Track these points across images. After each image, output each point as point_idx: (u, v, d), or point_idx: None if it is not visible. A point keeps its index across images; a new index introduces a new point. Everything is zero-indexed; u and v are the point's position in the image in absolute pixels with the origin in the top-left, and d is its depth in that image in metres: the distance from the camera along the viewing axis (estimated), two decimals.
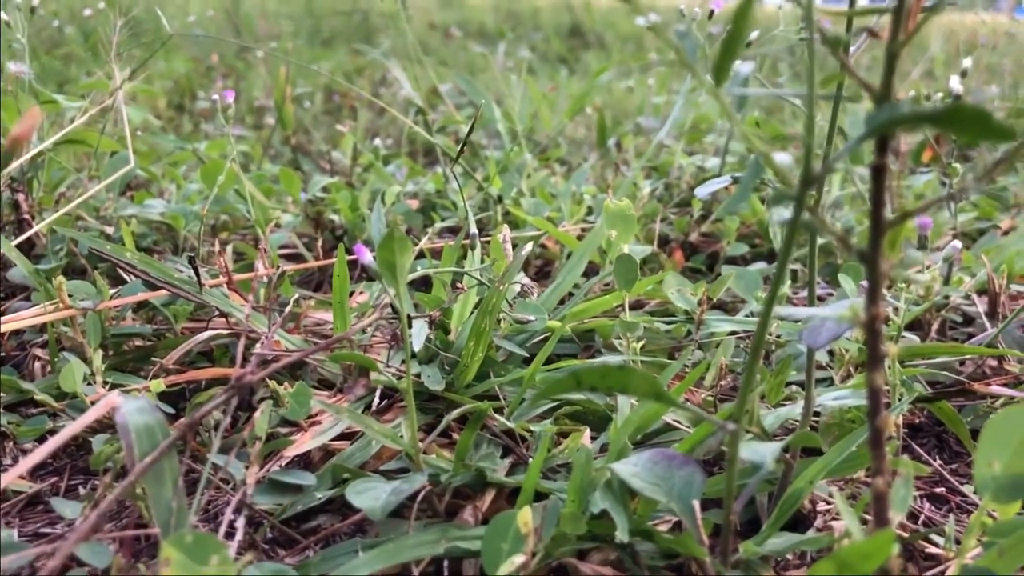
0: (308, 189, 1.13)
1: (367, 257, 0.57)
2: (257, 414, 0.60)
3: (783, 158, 0.41)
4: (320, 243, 1.08)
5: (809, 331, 0.51)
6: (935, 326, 1.01)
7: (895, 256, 0.42)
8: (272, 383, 0.69)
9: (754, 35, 1.04)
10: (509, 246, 0.80)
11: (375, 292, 0.91)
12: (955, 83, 1.01)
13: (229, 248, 1.09)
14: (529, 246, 0.74)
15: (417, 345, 0.71)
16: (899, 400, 0.67)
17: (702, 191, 0.60)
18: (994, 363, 0.87)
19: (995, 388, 0.75)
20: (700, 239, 1.29)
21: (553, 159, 1.78)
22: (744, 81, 0.42)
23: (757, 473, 0.51)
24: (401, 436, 0.66)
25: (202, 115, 2.38)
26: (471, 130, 0.82)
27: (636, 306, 1.04)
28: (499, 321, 0.73)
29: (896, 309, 0.65)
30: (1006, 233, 1.32)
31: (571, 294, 0.99)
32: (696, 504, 0.52)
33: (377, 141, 1.33)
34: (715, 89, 0.39)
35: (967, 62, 1.04)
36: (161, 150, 1.66)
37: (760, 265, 1.16)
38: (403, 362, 0.84)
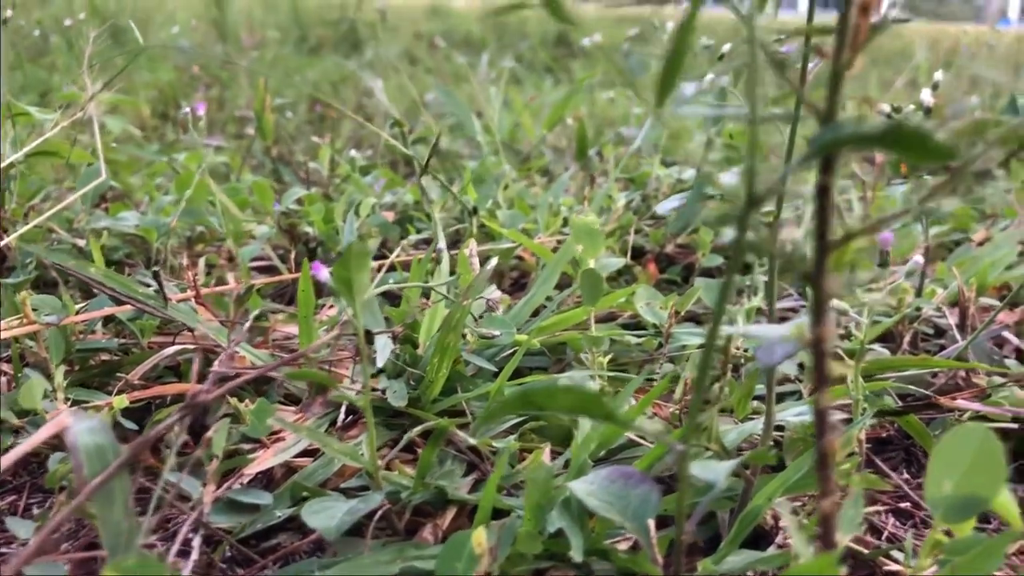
0: (282, 201, 1.13)
1: (324, 274, 0.57)
2: (211, 432, 0.60)
3: (729, 178, 0.41)
4: (294, 255, 1.08)
5: (764, 349, 0.51)
6: (907, 338, 1.01)
7: (843, 276, 0.42)
8: (233, 400, 0.69)
9: (727, 47, 1.04)
10: (476, 260, 0.80)
11: (343, 305, 0.90)
12: (926, 96, 1.01)
13: (202, 261, 1.09)
14: (493, 261, 0.73)
15: (381, 361, 0.71)
16: (861, 415, 0.67)
17: (662, 208, 0.60)
18: (965, 375, 0.87)
19: (961, 402, 0.75)
20: (676, 250, 1.29)
21: (535, 169, 1.78)
22: (712, 95, 0.42)
23: (711, 492, 0.50)
24: (362, 454, 0.66)
25: (183, 125, 2.38)
26: (435, 145, 0.82)
27: (609, 318, 1.04)
28: (464, 336, 0.73)
29: (858, 324, 0.65)
30: (981, 244, 1.33)
31: (544, 306, 0.99)
32: (651, 523, 0.52)
33: (354, 152, 1.33)
34: (657, 110, 0.39)
35: (938, 75, 1.05)
36: (142, 161, 1.65)
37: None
38: (373, 375, 0.84)
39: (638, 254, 1.25)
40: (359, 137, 2.20)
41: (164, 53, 3.20)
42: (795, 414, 0.64)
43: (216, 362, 0.64)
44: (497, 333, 0.73)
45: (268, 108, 1.72)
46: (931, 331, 1.05)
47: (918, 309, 1.03)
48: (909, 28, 7.24)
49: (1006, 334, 1.03)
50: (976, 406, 0.75)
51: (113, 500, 0.52)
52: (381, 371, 0.83)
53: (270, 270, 1.16)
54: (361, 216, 1.14)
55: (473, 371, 0.84)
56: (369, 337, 0.69)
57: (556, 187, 1.37)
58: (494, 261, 0.74)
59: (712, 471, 0.50)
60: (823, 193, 0.40)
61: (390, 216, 1.15)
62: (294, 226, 1.09)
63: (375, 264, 0.99)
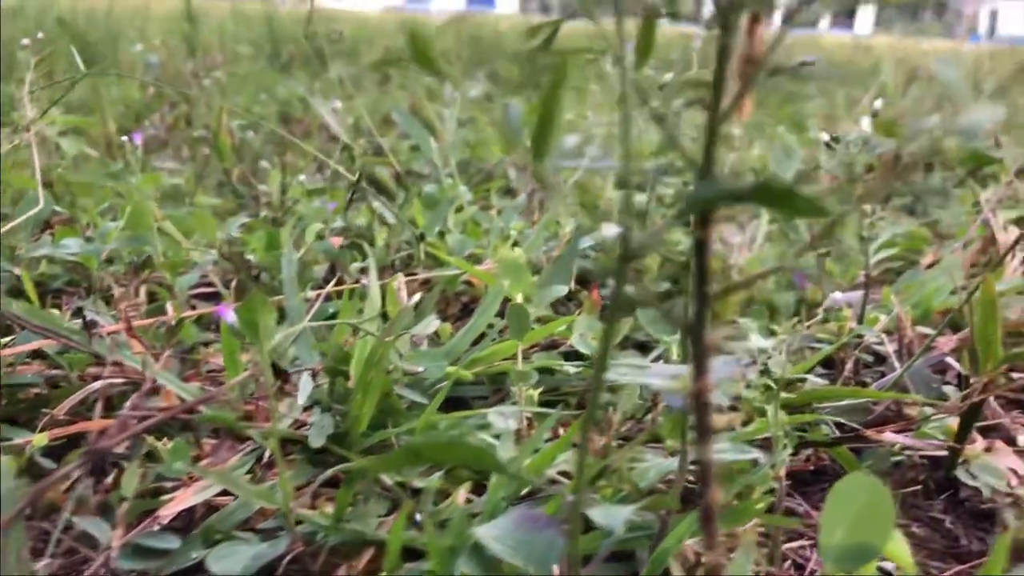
0: (226, 228, 1.12)
1: (230, 317, 0.56)
2: (111, 476, 0.59)
3: (609, 231, 0.41)
4: (235, 283, 1.07)
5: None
6: (848, 365, 1.01)
7: (725, 326, 0.42)
8: (151, 438, 0.68)
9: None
10: (403, 293, 0.79)
11: (284, 334, 0.90)
12: (865, 124, 1.02)
13: (143, 289, 1.08)
14: (416, 297, 0.73)
15: (302, 399, 0.70)
16: (782, 450, 0.67)
17: (604, 233, 0.59)
18: (897, 405, 0.88)
19: (888, 435, 0.76)
20: None
21: (495, 190, 1.77)
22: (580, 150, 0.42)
23: (611, 537, 0.50)
24: (278, 494, 0.65)
25: (146, 145, 2.36)
26: (359, 179, 0.82)
27: (551, 346, 1.03)
28: (388, 373, 0.73)
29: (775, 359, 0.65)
30: (929, 267, 1.34)
31: (485, 335, 0.99)
32: (555, 569, 0.52)
33: (302, 177, 1.33)
34: (538, 163, 0.39)
35: (878, 103, 1.06)
36: (96, 183, 1.64)
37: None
38: (305, 409, 0.83)
39: (586, 280, 1.25)
40: (329, 150, 2.19)
41: (132, 69, 3.19)
42: (715, 451, 0.63)
43: (127, 403, 0.64)
44: (420, 369, 0.73)
45: (224, 129, 1.71)
46: (871, 359, 1.05)
47: (859, 336, 1.04)
48: (880, 44, 7.33)
49: (948, 360, 1.04)
50: (902, 439, 0.75)
51: (8, 551, 0.51)
52: (317, 403, 0.82)
53: (215, 297, 1.15)
54: (307, 242, 1.13)
55: (408, 403, 0.84)
56: (284, 376, 0.68)
57: (508, 210, 1.37)
58: (416, 298, 0.73)
59: (612, 517, 0.50)
60: (701, 248, 0.40)
61: (337, 241, 1.15)
62: (237, 253, 1.09)
63: (313, 294, 0.98)
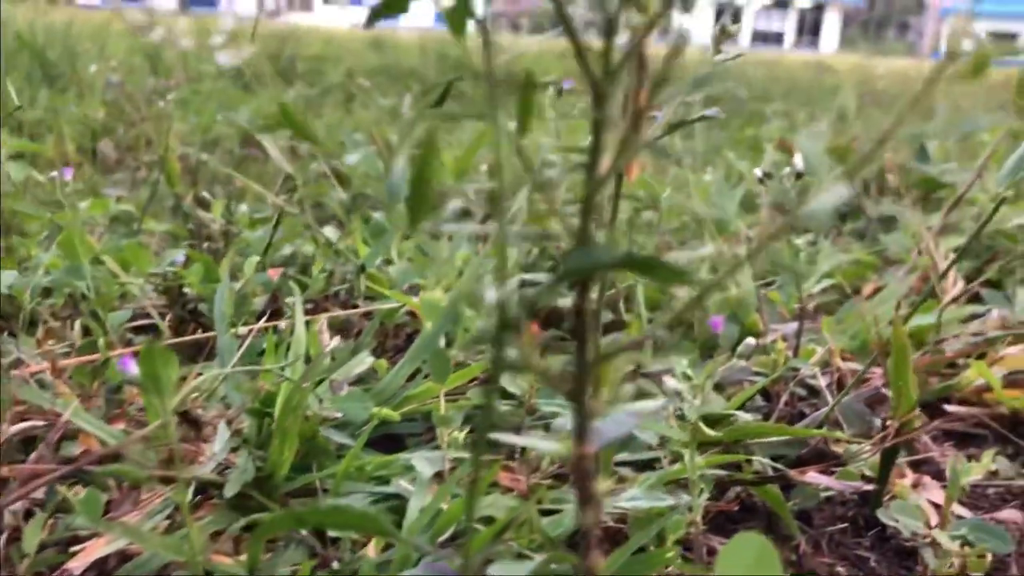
0: (160, 261, 1.11)
1: (132, 368, 0.56)
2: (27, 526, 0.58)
3: (489, 296, 0.41)
4: (169, 317, 1.06)
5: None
6: (784, 398, 1.02)
7: (608, 391, 0.42)
8: (63, 488, 0.67)
9: None
10: (325, 336, 0.79)
11: (210, 376, 0.89)
12: (798, 161, 1.03)
13: (78, 324, 1.06)
14: (336, 340, 0.73)
15: (218, 447, 0.70)
16: (699, 495, 0.67)
17: (489, 295, 0.59)
18: (824, 442, 0.88)
19: (810, 476, 0.76)
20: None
21: (447, 215, 1.77)
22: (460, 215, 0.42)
23: None
24: (186, 547, 0.64)
25: (102, 164, 2.35)
26: (278, 221, 0.81)
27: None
28: (307, 419, 0.72)
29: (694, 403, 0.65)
30: (870, 297, 1.35)
31: (419, 370, 0.98)
32: None
33: (243, 207, 1.32)
34: (413, 230, 0.39)
35: (800, 158, 1.06)
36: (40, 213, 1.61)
37: (616, 335, 1.16)
38: (234, 449, 0.82)
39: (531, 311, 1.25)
40: (281, 175, 2.18)
41: (91, 87, 3.16)
42: (627, 499, 0.64)
43: (32, 455, 0.62)
44: (339, 415, 0.73)
45: (173, 153, 1.70)
46: (805, 392, 1.06)
47: (795, 369, 1.05)
48: (843, 64, 7.44)
49: (885, 391, 1.05)
50: (824, 480, 0.75)
51: None
52: (247, 442, 0.81)
53: (154, 330, 1.13)
54: (245, 274, 1.12)
55: (337, 445, 0.83)
56: (197, 424, 0.68)
57: (457, 238, 1.36)
58: (332, 344, 0.73)
59: (511, 570, 0.49)
60: (579, 315, 0.40)
61: (274, 274, 1.14)
62: (174, 286, 1.07)
63: (245, 329, 0.97)
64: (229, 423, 0.71)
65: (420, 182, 0.37)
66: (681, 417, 0.64)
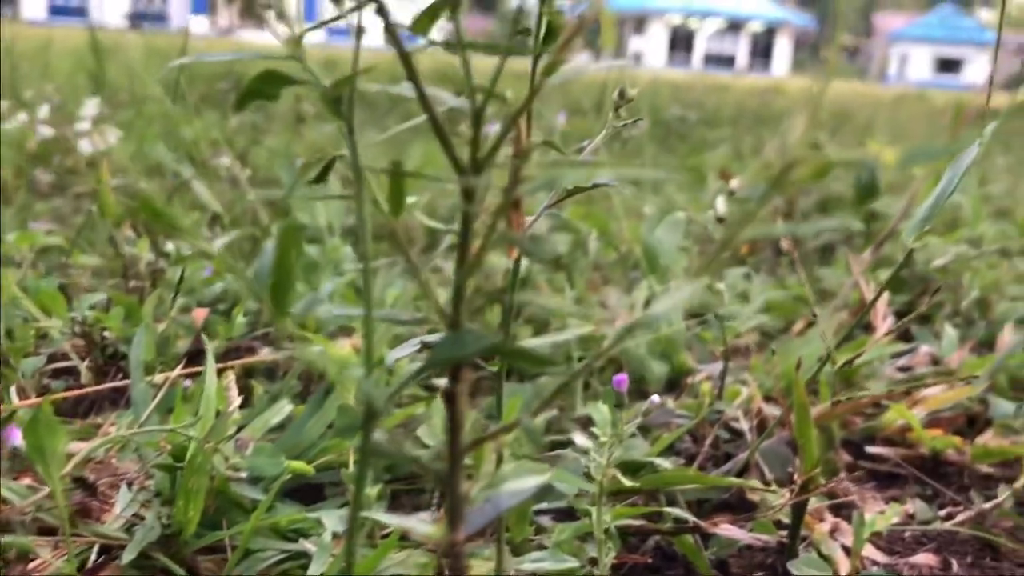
0: (79, 305, 1.09)
1: (17, 440, 0.54)
2: None
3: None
4: (86, 364, 1.03)
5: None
6: (708, 440, 1.03)
7: (481, 475, 0.42)
8: None
9: None
10: (233, 392, 0.78)
11: (123, 424, 0.87)
12: (720, 205, 1.04)
13: None
14: (237, 402, 0.72)
15: (119, 508, 0.68)
16: (606, 553, 0.67)
17: (392, 355, 0.59)
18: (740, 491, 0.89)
19: (723, 528, 0.76)
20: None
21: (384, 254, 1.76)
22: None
23: None
24: None
25: (37, 190, 2.30)
26: (167, 271, 0.80)
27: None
28: (212, 479, 0.71)
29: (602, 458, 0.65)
30: (800, 334, 1.37)
31: None
32: None
33: (170, 245, 1.29)
34: (279, 320, 0.38)
35: (722, 201, 1.07)
36: None
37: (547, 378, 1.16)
38: (142, 505, 0.80)
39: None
40: (227, 201, 2.15)
41: (32, 109, 3.10)
42: (532, 560, 0.63)
43: None
44: (243, 475, 0.71)
45: (107, 184, 1.67)
46: (729, 435, 1.07)
47: (719, 412, 1.05)
48: (794, 87, 7.59)
49: None
50: (736, 532, 0.76)
51: None
52: (158, 495, 0.79)
53: (74, 374, 1.11)
54: (170, 316, 1.10)
55: (250, 500, 0.82)
56: (92, 489, 0.66)
57: (391, 276, 1.36)
58: (236, 402, 0.72)
59: None
60: (451, 400, 0.40)
61: (200, 315, 1.12)
62: (95, 330, 1.05)
63: (161, 377, 0.95)
64: (130, 485, 0.70)
65: (282, 279, 0.36)
66: (587, 475, 0.64)
